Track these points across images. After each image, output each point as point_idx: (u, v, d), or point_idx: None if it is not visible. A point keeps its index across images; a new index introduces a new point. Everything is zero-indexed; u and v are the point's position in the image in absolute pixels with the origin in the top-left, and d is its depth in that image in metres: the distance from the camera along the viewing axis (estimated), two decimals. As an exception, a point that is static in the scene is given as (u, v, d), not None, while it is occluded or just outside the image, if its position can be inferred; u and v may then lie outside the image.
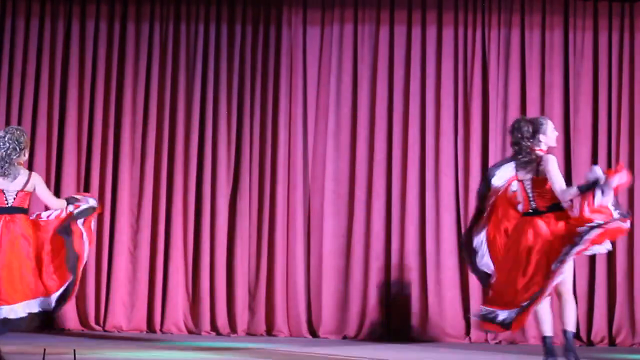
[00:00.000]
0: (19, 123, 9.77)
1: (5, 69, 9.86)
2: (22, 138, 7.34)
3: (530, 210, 6.93)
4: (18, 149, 7.30)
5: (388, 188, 9.78)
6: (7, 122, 9.78)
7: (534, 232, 6.84)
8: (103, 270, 9.65)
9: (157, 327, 9.63)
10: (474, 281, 9.54)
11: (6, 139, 7.30)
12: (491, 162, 9.63)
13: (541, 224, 6.85)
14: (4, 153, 7.27)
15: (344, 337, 9.59)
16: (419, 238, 9.69)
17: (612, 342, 9.44)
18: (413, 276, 9.64)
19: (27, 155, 7.44)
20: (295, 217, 9.80)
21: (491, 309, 6.95)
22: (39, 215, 7.44)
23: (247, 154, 9.85)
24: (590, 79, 9.73)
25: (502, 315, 6.86)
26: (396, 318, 9.61)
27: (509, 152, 9.53)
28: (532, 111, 9.67)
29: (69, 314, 9.47)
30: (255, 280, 9.75)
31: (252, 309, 9.71)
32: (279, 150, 9.85)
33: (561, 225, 6.80)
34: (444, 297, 9.59)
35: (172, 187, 9.81)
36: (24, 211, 7.33)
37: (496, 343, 9.44)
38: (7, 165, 7.27)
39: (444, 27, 9.89)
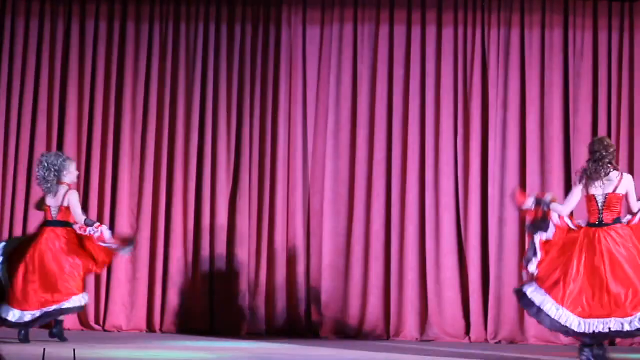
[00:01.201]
0: (19, 123, 9.81)
1: (5, 69, 9.87)
2: (57, 161, 8.47)
3: (597, 222, 7.42)
4: (53, 170, 8.43)
5: (388, 188, 9.78)
6: (7, 122, 9.81)
7: (615, 244, 7.34)
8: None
9: (157, 327, 9.64)
10: (474, 281, 9.56)
11: (42, 163, 8.46)
12: (491, 162, 9.64)
13: (620, 237, 7.37)
14: (43, 175, 8.43)
15: (344, 337, 9.58)
16: (418, 238, 9.69)
17: (612, 342, 9.41)
18: (413, 276, 9.64)
19: (66, 175, 8.49)
20: (295, 216, 9.80)
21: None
22: (80, 228, 8.51)
23: (247, 153, 9.85)
24: (590, 79, 9.72)
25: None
26: (396, 318, 9.61)
27: (509, 152, 9.65)
28: (532, 111, 9.67)
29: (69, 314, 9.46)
30: (255, 280, 9.75)
31: (252, 309, 9.71)
32: (279, 150, 9.85)
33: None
34: (444, 296, 9.59)
35: (172, 186, 9.81)
36: (66, 224, 8.46)
37: (496, 343, 9.44)
38: (47, 185, 8.44)
39: (443, 26, 9.88)
